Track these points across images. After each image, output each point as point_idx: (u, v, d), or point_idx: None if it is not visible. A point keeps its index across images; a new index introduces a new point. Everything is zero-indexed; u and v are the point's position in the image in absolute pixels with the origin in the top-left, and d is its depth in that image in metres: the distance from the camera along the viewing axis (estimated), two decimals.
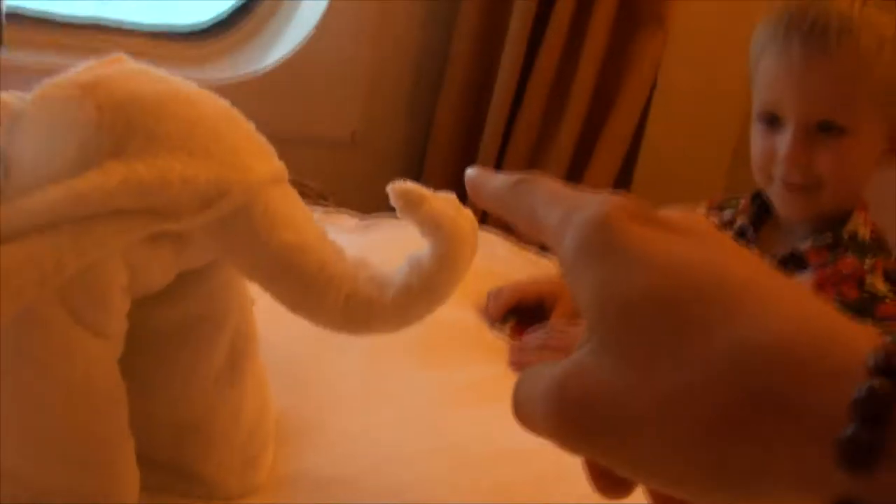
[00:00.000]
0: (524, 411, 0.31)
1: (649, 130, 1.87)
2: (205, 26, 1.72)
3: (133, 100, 0.53)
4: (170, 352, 0.65)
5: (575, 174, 1.79)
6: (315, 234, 0.58)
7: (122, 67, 0.57)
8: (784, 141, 1.09)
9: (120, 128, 0.52)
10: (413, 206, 0.56)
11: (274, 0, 1.74)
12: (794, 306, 0.28)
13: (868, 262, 1.08)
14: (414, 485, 0.71)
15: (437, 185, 0.59)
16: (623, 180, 1.85)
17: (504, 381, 0.70)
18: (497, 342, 1.04)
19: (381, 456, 0.75)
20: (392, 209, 0.58)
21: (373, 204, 1.33)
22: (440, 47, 1.77)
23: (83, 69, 0.56)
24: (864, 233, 1.12)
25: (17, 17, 1.55)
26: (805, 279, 1.09)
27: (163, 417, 0.66)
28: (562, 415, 0.29)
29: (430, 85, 1.80)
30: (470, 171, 0.38)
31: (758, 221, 1.21)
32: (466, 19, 1.71)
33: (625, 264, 0.29)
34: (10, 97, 0.52)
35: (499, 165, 1.76)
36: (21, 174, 0.50)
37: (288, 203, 0.58)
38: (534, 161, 1.76)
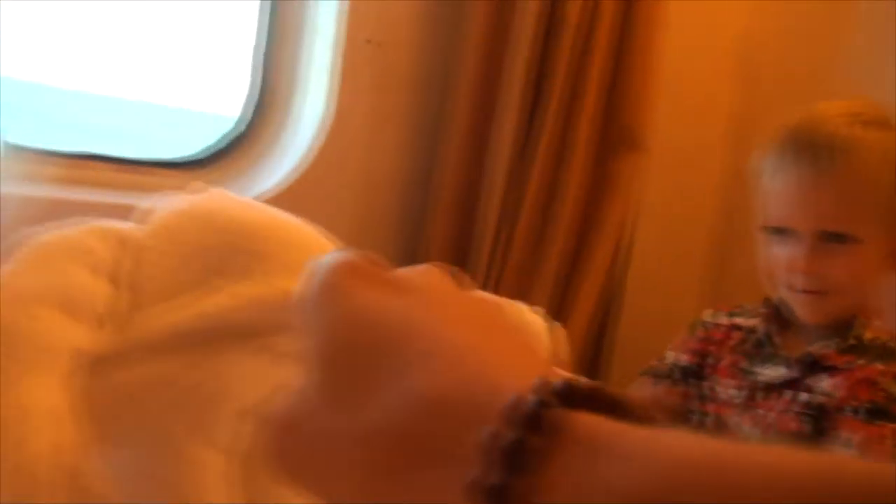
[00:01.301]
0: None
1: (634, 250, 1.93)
2: (198, 157, 1.76)
3: (235, 224, 0.56)
4: None
5: (562, 298, 1.84)
6: None
7: (214, 196, 0.61)
8: (798, 252, 1.18)
9: (227, 251, 0.55)
10: None
11: (267, 132, 1.79)
12: (469, 360, 0.30)
13: (890, 366, 1.14)
14: None
15: None
16: (610, 296, 1.90)
17: None
18: None
19: None
20: None
21: None
22: (425, 177, 1.83)
23: (180, 200, 0.59)
24: (876, 336, 1.19)
25: (17, 151, 1.57)
26: (832, 383, 1.15)
27: None
28: (268, 436, 0.33)
29: (416, 217, 1.84)
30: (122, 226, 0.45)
31: (775, 327, 1.27)
32: (450, 149, 1.78)
33: (335, 317, 0.34)
34: (131, 228, 0.54)
35: (487, 289, 1.80)
36: (145, 298, 0.52)
37: None
38: (522, 284, 1.81)
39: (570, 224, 1.81)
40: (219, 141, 1.78)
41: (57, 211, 1.51)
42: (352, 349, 0.32)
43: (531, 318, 0.61)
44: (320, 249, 0.60)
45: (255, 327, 0.54)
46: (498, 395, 0.28)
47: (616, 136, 1.84)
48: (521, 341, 0.34)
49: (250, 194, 1.70)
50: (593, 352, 1.89)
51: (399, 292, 0.34)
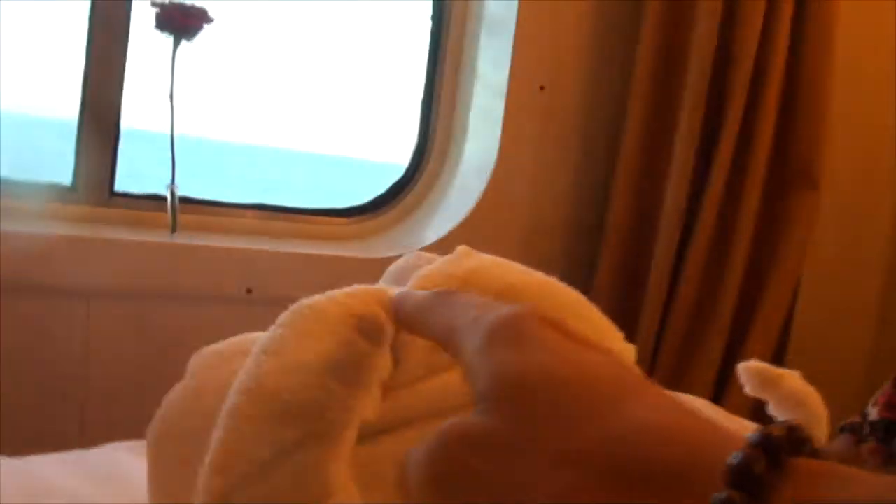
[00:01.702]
0: (405, 475, 0.33)
1: (803, 290, 1.86)
2: (364, 204, 1.77)
3: (508, 287, 0.54)
4: None
5: (736, 345, 1.78)
6: None
7: (470, 257, 0.59)
8: None
9: None
10: (773, 384, 0.57)
11: (431, 179, 1.80)
12: (676, 405, 0.30)
13: None
14: None
15: None
16: (784, 342, 1.84)
17: None
18: None
19: None
20: None
21: None
22: (593, 223, 1.80)
23: (441, 263, 0.58)
24: None
25: (189, 203, 1.62)
26: None
27: None
28: (441, 455, 0.31)
29: (584, 262, 1.81)
30: (395, 292, 0.44)
31: None
32: (620, 194, 1.75)
33: (529, 348, 0.32)
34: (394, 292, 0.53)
35: (660, 333, 1.75)
36: (411, 362, 0.51)
37: None
38: (695, 330, 1.76)
39: (743, 269, 1.75)
40: (384, 189, 1.79)
41: (243, 260, 1.54)
42: (543, 377, 0.31)
43: (805, 386, 0.58)
44: (588, 312, 0.58)
45: None
46: (726, 433, 0.28)
47: (790, 174, 1.78)
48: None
49: (414, 241, 1.71)
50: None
51: (584, 343, 0.34)
